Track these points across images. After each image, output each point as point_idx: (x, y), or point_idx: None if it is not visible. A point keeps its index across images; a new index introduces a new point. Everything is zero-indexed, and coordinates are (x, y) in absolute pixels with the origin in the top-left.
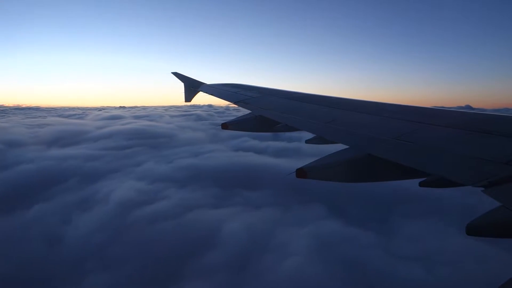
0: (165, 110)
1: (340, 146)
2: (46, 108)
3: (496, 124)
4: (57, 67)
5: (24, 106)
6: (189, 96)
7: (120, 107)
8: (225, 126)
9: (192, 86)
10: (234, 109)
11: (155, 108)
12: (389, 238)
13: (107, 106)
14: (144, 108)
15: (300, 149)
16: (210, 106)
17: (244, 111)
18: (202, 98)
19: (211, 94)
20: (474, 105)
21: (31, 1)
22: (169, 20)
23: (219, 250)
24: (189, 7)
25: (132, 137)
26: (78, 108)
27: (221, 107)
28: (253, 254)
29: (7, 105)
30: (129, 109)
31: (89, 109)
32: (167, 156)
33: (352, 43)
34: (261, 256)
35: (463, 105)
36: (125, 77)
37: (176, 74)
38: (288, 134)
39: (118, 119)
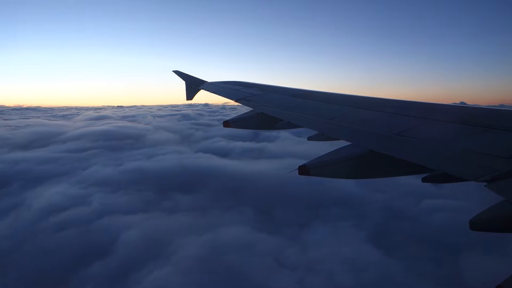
0: (159, 109)
1: (342, 143)
2: (45, 108)
3: (498, 118)
4: (60, 67)
5: (25, 106)
6: (190, 94)
7: (118, 106)
8: (226, 124)
9: (193, 84)
10: (231, 108)
11: (150, 107)
12: (290, 245)
13: (106, 106)
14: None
15: (263, 150)
16: (206, 105)
17: (241, 110)
18: (199, 97)
19: (213, 92)
20: (468, 102)
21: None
22: (170, 17)
23: (108, 259)
24: (191, 5)
25: (99, 138)
26: (76, 108)
27: (218, 105)
28: (135, 264)
29: (7, 105)
30: (127, 108)
31: (86, 109)
32: (120, 158)
33: (352, 39)
34: (141, 267)
35: (457, 102)
36: (127, 76)
37: (177, 72)
38: (267, 133)
39: (102, 120)
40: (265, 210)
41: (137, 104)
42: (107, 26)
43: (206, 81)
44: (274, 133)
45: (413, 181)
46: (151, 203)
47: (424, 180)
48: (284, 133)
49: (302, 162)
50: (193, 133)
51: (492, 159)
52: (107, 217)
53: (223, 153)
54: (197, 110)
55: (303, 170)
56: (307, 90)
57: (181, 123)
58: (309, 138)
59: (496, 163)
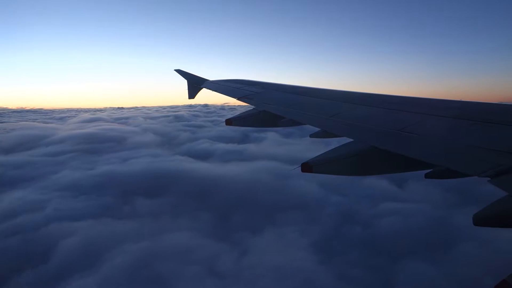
0: (157, 110)
1: (344, 140)
2: (45, 110)
3: (501, 113)
4: (64, 68)
5: (27, 108)
6: (192, 93)
7: (119, 108)
8: (229, 122)
9: (195, 83)
10: (230, 108)
11: (149, 109)
12: (230, 252)
13: (108, 107)
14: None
15: (243, 152)
16: (205, 105)
17: (240, 110)
18: (199, 97)
19: (214, 91)
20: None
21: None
22: (172, 17)
23: (41, 267)
24: (194, 5)
25: (82, 142)
26: (76, 110)
27: (217, 105)
28: (64, 274)
29: (10, 107)
30: (126, 110)
31: (86, 111)
32: (95, 162)
33: (354, 37)
34: (68, 276)
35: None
36: (130, 77)
37: (179, 71)
38: (256, 134)
39: (94, 122)
40: (223, 215)
41: (138, 105)
42: (109, 27)
43: (207, 80)
44: (262, 134)
45: (378, 183)
46: (108, 208)
47: (427, 176)
48: (272, 134)
49: (275, 165)
50: (179, 135)
51: (495, 154)
52: (55, 223)
53: (203, 156)
54: (195, 111)
55: (306, 167)
56: (309, 87)
57: (172, 125)
58: (312, 135)
59: (499, 158)
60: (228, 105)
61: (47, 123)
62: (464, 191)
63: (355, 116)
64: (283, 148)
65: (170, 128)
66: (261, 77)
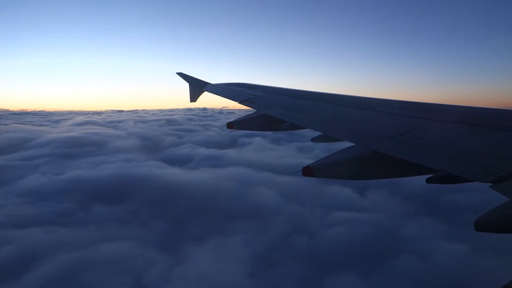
0: (153, 114)
1: (346, 144)
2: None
3: (503, 118)
4: (68, 71)
5: (28, 110)
6: (194, 96)
7: (118, 110)
8: (230, 125)
9: (197, 86)
10: (228, 112)
11: (146, 112)
12: (167, 262)
13: (110, 110)
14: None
15: (221, 158)
16: (204, 109)
17: (239, 113)
18: (199, 100)
19: (216, 94)
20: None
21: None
22: (173, 19)
23: None
24: (194, 7)
25: (62, 145)
26: (75, 113)
27: (216, 109)
28: None
29: (12, 109)
30: (126, 113)
31: (85, 113)
32: (68, 167)
33: (356, 41)
34: None
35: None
36: (133, 79)
37: (181, 74)
38: (243, 139)
39: (85, 125)
40: (176, 223)
41: (138, 108)
42: (112, 28)
43: (209, 83)
44: (249, 139)
45: (341, 191)
46: (61, 215)
47: (428, 181)
48: (258, 139)
49: (246, 172)
50: (164, 140)
51: (497, 160)
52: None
53: (181, 161)
54: (191, 114)
55: (307, 171)
56: (310, 91)
57: (161, 129)
58: (313, 140)
59: (501, 164)
60: (227, 109)
61: (41, 125)
62: (426, 200)
63: (356, 120)
64: (262, 154)
65: (157, 132)
66: (262, 80)
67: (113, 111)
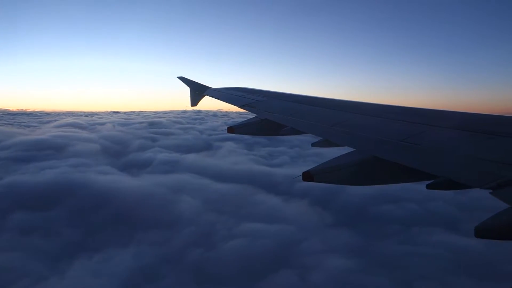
0: (145, 116)
1: (346, 149)
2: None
3: (503, 125)
4: (64, 71)
5: (28, 111)
6: (195, 100)
7: (114, 112)
8: (231, 130)
9: (198, 90)
10: (223, 115)
11: (137, 113)
12: (55, 273)
13: (108, 111)
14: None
15: (178, 163)
16: (198, 112)
17: (232, 116)
18: (200, 104)
19: (217, 98)
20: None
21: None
22: (175, 23)
23: None
24: (196, 11)
25: (23, 148)
26: (71, 113)
27: (210, 111)
28: None
29: (11, 109)
30: (123, 113)
31: (79, 114)
32: (14, 171)
33: (357, 46)
34: None
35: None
36: (134, 81)
37: (182, 78)
38: (218, 144)
39: (64, 127)
40: (88, 231)
41: (136, 110)
42: (114, 30)
43: (210, 87)
44: (224, 143)
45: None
46: None
47: (428, 187)
48: (230, 144)
49: (187, 178)
50: (133, 144)
51: (497, 166)
52: None
53: (138, 166)
54: (183, 117)
55: (307, 176)
56: (311, 96)
57: (137, 132)
58: (313, 144)
59: (501, 170)
60: (222, 112)
61: (29, 126)
62: (357, 211)
63: (356, 126)
64: (220, 160)
65: (131, 136)
66: (263, 85)
67: (108, 113)
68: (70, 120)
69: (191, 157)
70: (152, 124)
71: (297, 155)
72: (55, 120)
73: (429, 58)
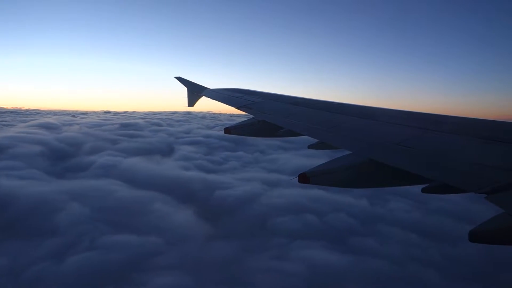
0: (130, 116)
1: (342, 152)
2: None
3: (499, 130)
4: (62, 71)
5: (23, 109)
6: (192, 100)
7: (105, 112)
8: (227, 130)
9: (195, 91)
10: (213, 117)
11: (130, 114)
12: None
13: (93, 111)
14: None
15: (115, 166)
16: (188, 113)
17: (222, 119)
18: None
19: (214, 99)
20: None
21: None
22: (173, 24)
23: None
24: (196, 12)
25: None
26: (62, 112)
27: (201, 112)
28: None
29: (6, 107)
30: (114, 114)
31: (67, 113)
32: None
33: (355, 49)
34: None
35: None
36: (132, 82)
37: (179, 78)
38: (184, 147)
39: (32, 127)
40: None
41: (129, 110)
42: (111, 30)
43: (207, 88)
44: (181, 147)
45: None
46: None
47: (424, 190)
48: (190, 149)
49: (110, 184)
50: (85, 147)
51: (493, 171)
52: None
53: (75, 169)
54: (168, 118)
55: (303, 178)
56: (308, 98)
57: (103, 134)
58: (310, 147)
59: (496, 175)
60: (212, 113)
61: (9, 125)
62: (247, 222)
63: (353, 129)
64: (162, 166)
65: (92, 138)
66: (261, 87)
67: (99, 112)
68: (49, 119)
69: (131, 162)
70: (126, 126)
71: (253, 160)
72: (35, 119)
73: (427, 62)
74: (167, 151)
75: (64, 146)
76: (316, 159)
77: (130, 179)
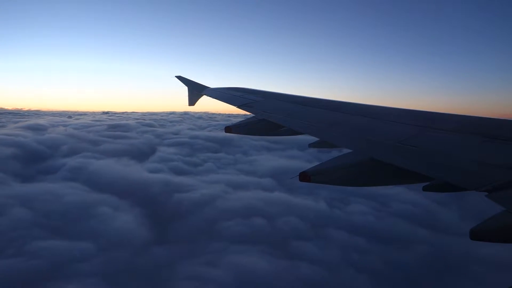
0: (125, 117)
1: (343, 150)
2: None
3: (500, 128)
4: (62, 71)
5: (24, 110)
6: (193, 100)
7: (104, 112)
8: (228, 129)
9: (196, 90)
10: (209, 118)
11: (134, 113)
12: None
13: (91, 112)
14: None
15: (80, 169)
16: (185, 113)
17: (219, 119)
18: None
19: (215, 98)
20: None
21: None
22: (173, 23)
23: None
24: (196, 11)
25: None
26: (58, 113)
27: (197, 112)
28: None
29: (7, 108)
30: (112, 114)
31: (64, 114)
32: None
33: (356, 47)
34: None
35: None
36: (132, 82)
37: (180, 77)
38: (163, 149)
39: (19, 129)
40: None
41: (129, 111)
42: (110, 31)
43: (208, 87)
44: (164, 148)
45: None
46: None
47: (425, 188)
48: (170, 150)
49: (68, 187)
50: (62, 149)
51: (494, 169)
52: None
53: (45, 172)
54: (162, 119)
55: (304, 176)
56: (309, 97)
57: (88, 135)
58: (311, 145)
59: (497, 173)
60: (209, 113)
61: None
62: (188, 227)
63: (354, 127)
64: (133, 168)
65: (74, 139)
66: (262, 85)
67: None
68: (40, 121)
69: (100, 164)
70: (114, 127)
71: (232, 162)
72: (27, 121)
73: (428, 60)
74: (147, 152)
75: (42, 148)
76: (298, 160)
77: (92, 182)
